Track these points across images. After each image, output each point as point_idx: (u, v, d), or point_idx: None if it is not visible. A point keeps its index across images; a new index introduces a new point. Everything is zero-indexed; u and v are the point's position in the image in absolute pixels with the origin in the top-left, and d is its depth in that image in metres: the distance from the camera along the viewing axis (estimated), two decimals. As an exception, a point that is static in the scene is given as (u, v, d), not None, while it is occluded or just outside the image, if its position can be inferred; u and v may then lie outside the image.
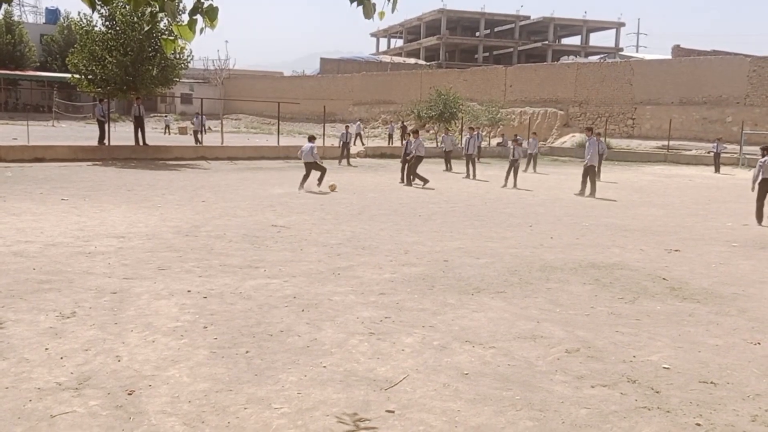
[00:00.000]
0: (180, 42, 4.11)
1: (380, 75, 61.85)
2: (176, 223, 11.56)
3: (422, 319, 6.49)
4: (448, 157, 26.57)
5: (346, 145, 27.41)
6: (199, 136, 32.49)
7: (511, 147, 20.79)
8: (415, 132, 20.91)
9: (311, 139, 18.22)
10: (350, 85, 61.55)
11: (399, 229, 11.81)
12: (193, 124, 35.70)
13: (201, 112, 33.29)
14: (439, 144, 25.92)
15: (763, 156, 14.19)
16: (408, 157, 19.99)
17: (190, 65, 30.25)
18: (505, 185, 20.12)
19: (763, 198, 14.10)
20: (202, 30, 3.88)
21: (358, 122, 42.14)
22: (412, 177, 19.85)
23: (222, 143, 30.02)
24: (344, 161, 26.99)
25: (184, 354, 5.33)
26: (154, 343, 5.54)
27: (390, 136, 40.09)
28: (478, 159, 26.06)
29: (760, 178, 14.05)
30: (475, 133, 25.67)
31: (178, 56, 26.31)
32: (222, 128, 33.90)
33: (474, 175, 22.92)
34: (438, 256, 9.57)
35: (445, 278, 8.21)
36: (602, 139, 26.64)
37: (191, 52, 28.76)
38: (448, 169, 25.80)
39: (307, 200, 15.40)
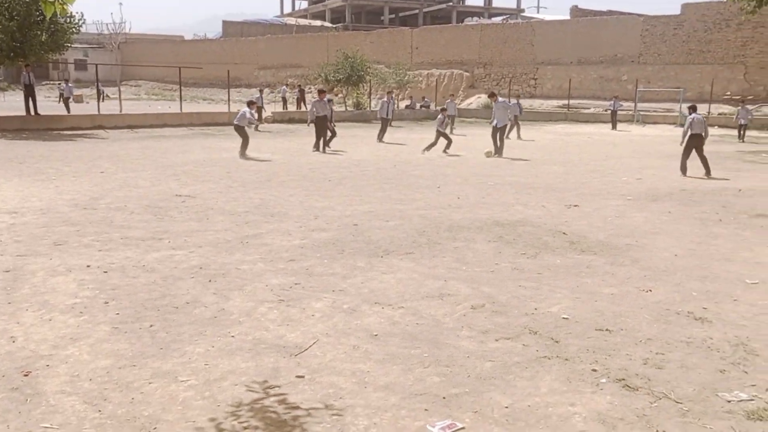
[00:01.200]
0: (67, 7, 3.87)
1: (286, 38, 60.67)
2: (73, 196, 11.05)
3: (332, 284, 6.50)
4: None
5: (259, 110, 27.19)
6: (70, 103, 31.11)
7: (441, 117, 19.61)
8: (322, 92, 20.57)
9: (249, 104, 18.46)
10: (255, 49, 60.13)
11: (308, 195, 11.74)
12: (62, 90, 33.88)
13: (97, 79, 31.73)
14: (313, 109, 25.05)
15: (690, 113, 15.30)
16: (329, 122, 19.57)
17: (83, 29, 28.62)
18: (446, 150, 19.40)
19: (689, 152, 15.04)
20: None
21: (284, 87, 41.28)
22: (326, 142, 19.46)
23: (120, 111, 28.78)
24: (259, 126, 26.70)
25: (84, 331, 5.15)
26: (52, 322, 5.32)
27: (284, 100, 39.24)
28: (390, 123, 26.04)
29: (689, 133, 14.97)
30: (392, 97, 25.69)
31: (68, 20, 24.86)
32: (120, 95, 32.45)
33: (382, 138, 22.95)
34: (348, 220, 9.59)
35: (354, 242, 8.24)
36: (515, 100, 27.24)
37: (82, 16, 27.18)
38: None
39: (212, 168, 15.04)
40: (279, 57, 57.64)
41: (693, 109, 15.61)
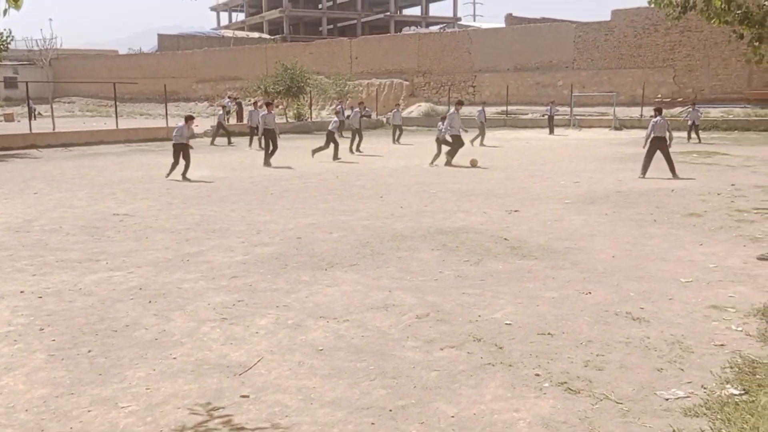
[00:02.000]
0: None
1: (223, 51, 60.04)
2: (4, 219, 10.68)
3: (276, 299, 6.44)
4: (253, 132, 25.61)
5: (221, 125, 27.38)
6: None
7: (441, 125, 19.03)
8: (269, 104, 20.44)
9: (188, 119, 16.27)
10: (192, 62, 59.29)
11: (250, 209, 11.62)
12: None
13: (27, 96, 30.77)
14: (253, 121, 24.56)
15: (655, 116, 15.51)
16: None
17: (12, 46, 27.77)
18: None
19: (652, 154, 15.35)
20: (5, 11, 3.64)
21: (227, 98, 40.60)
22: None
23: (54, 129, 27.96)
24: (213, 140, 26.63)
25: (19, 360, 4.97)
26: (-17, 353, 5.12)
27: (228, 113, 38.58)
28: (341, 134, 25.96)
29: (651, 136, 15.29)
30: (363, 108, 26.02)
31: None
32: (53, 113, 31.53)
33: (359, 148, 22.91)
34: (291, 233, 9.53)
35: (298, 256, 8.19)
36: (480, 107, 27.62)
37: (11, 33, 26.40)
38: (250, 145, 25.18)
39: (151, 185, 14.75)
40: (217, 70, 56.98)
41: (658, 111, 15.62)
